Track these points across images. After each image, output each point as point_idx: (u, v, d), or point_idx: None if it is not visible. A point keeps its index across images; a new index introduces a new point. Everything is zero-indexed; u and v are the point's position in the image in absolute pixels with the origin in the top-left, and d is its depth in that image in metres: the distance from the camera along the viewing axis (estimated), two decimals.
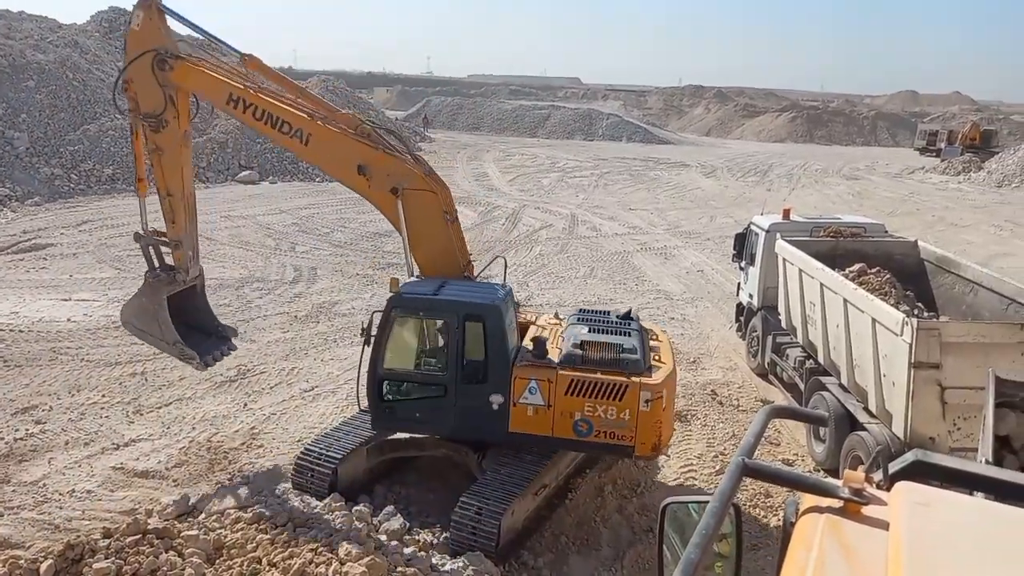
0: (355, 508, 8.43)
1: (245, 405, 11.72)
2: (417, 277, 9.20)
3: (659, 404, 8.51)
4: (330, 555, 6.85)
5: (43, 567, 6.80)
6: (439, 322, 9.06)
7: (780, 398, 13.16)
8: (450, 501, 8.66)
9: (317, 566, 6.73)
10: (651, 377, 8.69)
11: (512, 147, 55.15)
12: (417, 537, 8.26)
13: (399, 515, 8.54)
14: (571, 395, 8.51)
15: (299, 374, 13.03)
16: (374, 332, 8.78)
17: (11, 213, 23.15)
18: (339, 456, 8.98)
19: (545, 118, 72.74)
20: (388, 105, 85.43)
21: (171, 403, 11.60)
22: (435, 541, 8.32)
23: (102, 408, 11.22)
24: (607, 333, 9.18)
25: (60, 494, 8.93)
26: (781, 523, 2.60)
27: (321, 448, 9.13)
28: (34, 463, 9.62)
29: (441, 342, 9.09)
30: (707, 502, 2.03)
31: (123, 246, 19.83)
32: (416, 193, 8.87)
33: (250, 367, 13.09)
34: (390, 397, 8.97)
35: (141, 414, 11.20)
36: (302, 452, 9.23)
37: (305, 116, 8.97)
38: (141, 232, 9.56)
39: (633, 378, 8.54)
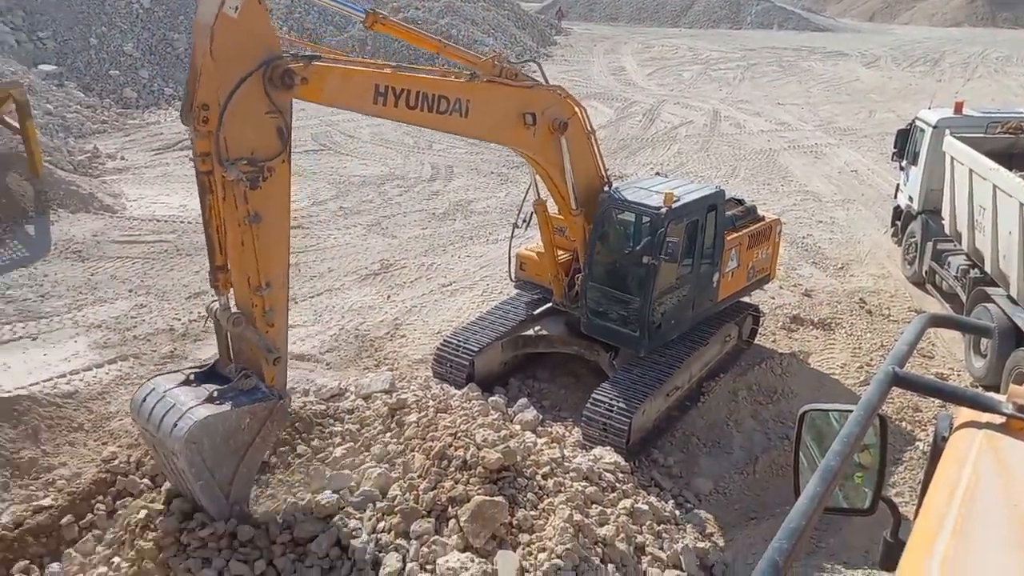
0: (491, 398, 8.83)
1: (388, 297, 12.35)
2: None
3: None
4: (468, 440, 7.25)
5: None
6: (689, 222, 8.82)
7: (937, 309, 12.33)
8: (582, 398, 8.89)
9: (456, 450, 7.15)
10: (769, 214, 10.86)
11: (652, 38, 52.54)
12: (549, 429, 8.58)
13: (532, 408, 8.88)
14: (751, 249, 10.03)
15: (437, 269, 13.51)
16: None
17: (175, 112, 24.87)
18: (476, 349, 9.34)
19: (688, 6, 68.34)
20: None
21: (321, 293, 12.40)
22: (567, 434, 8.61)
23: None
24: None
25: None
26: (931, 438, 2.48)
27: (459, 340, 9.54)
28: (206, 343, 10.64)
29: (686, 241, 8.80)
30: (849, 411, 1.96)
31: None
32: (571, 120, 8.33)
33: (392, 262, 13.69)
34: (658, 317, 8.84)
35: (296, 302, 12.05)
36: (441, 344, 9.69)
37: (462, 81, 7.29)
38: (234, 314, 6.17)
39: (766, 218, 10.55)
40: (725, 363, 10.22)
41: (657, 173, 10.50)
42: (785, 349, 10.88)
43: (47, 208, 14.24)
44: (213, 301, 6.35)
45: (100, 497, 7.09)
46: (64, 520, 6.83)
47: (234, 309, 6.24)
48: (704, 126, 25.54)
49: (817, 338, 11.34)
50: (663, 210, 8.33)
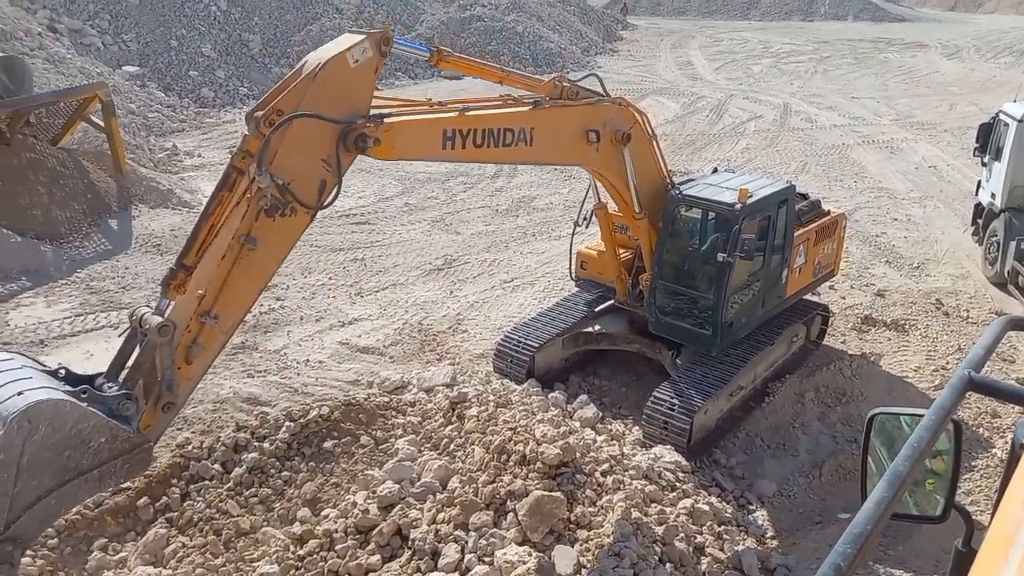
0: (551, 395, 8.84)
1: (451, 292, 12.48)
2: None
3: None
4: (527, 435, 7.27)
5: (283, 425, 7.89)
6: (762, 218, 8.64)
7: (1019, 311, 11.76)
8: (642, 396, 8.81)
9: (515, 444, 7.18)
10: (834, 208, 10.57)
11: (720, 32, 51.53)
12: (609, 426, 8.53)
13: (592, 404, 8.84)
14: (817, 245, 9.85)
15: (499, 265, 13.58)
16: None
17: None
18: (537, 345, 9.36)
19: None
20: None
21: (387, 287, 12.61)
22: (626, 432, 8.56)
23: (329, 289, 12.45)
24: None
25: (297, 362, 10.15)
26: (1009, 445, 2.39)
27: (520, 336, 9.56)
28: (276, 334, 10.97)
29: (758, 237, 8.57)
30: (920, 416, 1.90)
31: None
32: (634, 129, 8.14)
33: (455, 258, 13.82)
34: (731, 315, 8.66)
35: (362, 296, 12.30)
36: (502, 339, 9.74)
37: (526, 111, 7.21)
38: (164, 322, 5.27)
39: (832, 212, 10.30)
40: (792, 363, 9.98)
41: (715, 169, 10.17)
42: (855, 350, 10.56)
43: (129, 203, 14.87)
44: (142, 308, 5.72)
45: (174, 481, 7.39)
46: (140, 502, 7.15)
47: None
48: (774, 121, 24.93)
49: (890, 340, 10.96)
50: (738, 207, 8.14)
